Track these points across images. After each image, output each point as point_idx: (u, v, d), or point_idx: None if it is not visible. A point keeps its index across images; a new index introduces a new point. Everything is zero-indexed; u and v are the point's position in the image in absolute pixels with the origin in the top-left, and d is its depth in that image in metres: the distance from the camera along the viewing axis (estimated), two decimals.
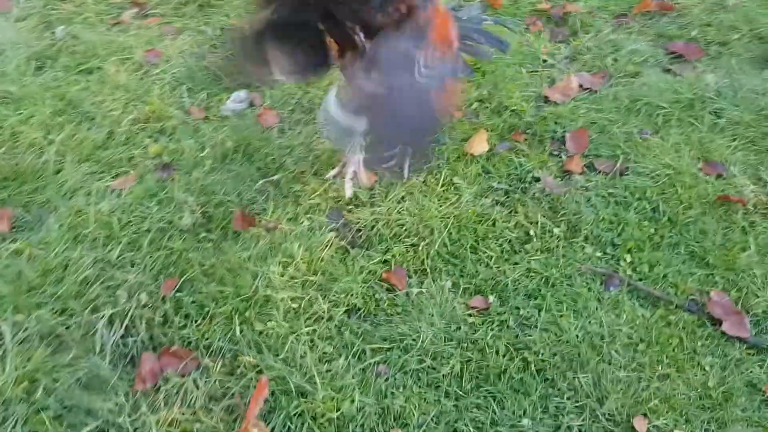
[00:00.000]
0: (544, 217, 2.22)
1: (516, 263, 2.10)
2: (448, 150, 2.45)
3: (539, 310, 1.97)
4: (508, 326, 1.95)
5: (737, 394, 1.78)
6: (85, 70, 2.79)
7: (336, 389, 1.81)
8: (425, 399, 1.81)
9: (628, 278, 2.02)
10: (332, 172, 2.38)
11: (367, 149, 2.21)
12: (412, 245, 2.17)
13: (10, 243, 2.11)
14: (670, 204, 2.21)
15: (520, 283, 2.04)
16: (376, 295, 2.03)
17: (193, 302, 1.99)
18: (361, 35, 1.79)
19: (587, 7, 3.06)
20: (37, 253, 2.08)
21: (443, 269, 2.10)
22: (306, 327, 1.95)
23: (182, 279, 2.04)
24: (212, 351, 1.90)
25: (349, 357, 1.89)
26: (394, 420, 1.78)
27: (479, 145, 2.45)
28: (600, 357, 1.86)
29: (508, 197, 2.31)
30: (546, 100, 2.64)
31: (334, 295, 2.03)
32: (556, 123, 2.54)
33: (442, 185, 2.35)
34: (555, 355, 1.87)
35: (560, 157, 2.43)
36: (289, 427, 1.75)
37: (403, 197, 2.32)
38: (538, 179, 2.34)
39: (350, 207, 2.30)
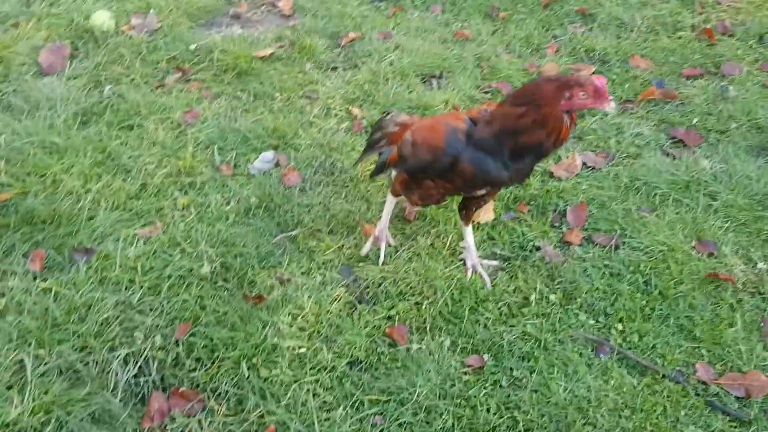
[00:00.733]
0: (542, 283, 2.34)
1: (513, 326, 2.21)
2: (455, 217, 2.60)
3: (531, 372, 2.06)
4: (500, 386, 2.04)
5: None
6: (127, 127, 3.02)
7: None
8: None
9: (618, 346, 2.11)
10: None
11: None
12: (416, 303, 2.30)
13: (41, 281, 2.28)
14: (663, 278, 2.31)
15: (515, 345, 2.14)
16: (379, 349, 2.15)
17: (204, 346, 2.11)
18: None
19: None
20: (65, 292, 2.24)
21: (443, 328, 2.21)
22: (310, 376, 2.06)
23: (195, 324, 2.18)
24: (219, 393, 2.02)
25: (348, 407, 1.99)
26: None
27: (486, 213, 2.60)
28: (586, 420, 1.94)
29: (509, 263, 2.43)
30: (551, 175, 2.80)
31: (339, 347, 2.15)
32: (558, 197, 2.68)
33: (449, 248, 2.49)
34: (543, 415, 1.95)
35: (560, 229, 2.57)
36: None
37: (410, 258, 2.46)
38: (538, 248, 2.47)
39: (361, 264, 2.44)
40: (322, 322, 2.23)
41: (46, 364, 2.03)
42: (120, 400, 1.98)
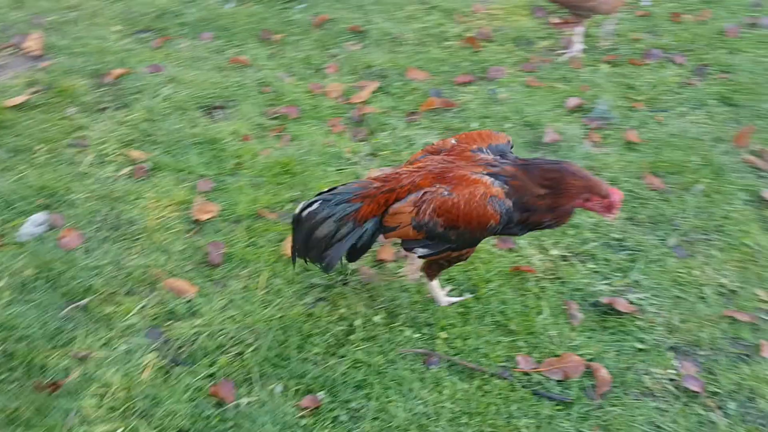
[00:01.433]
0: (365, 306, 2.31)
1: (343, 356, 2.14)
2: (265, 253, 2.48)
3: (369, 399, 2.02)
4: (340, 421, 1.97)
5: None
6: None
7: None
8: None
9: (445, 354, 2.15)
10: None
11: None
12: (238, 354, 2.14)
13: None
14: (473, 279, 2.41)
15: (348, 376, 2.08)
16: (205, 413, 1.96)
17: None
18: None
19: (381, 107, 3.33)
20: None
21: (272, 373, 2.09)
22: None
23: None
24: None
25: None
26: None
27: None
28: None
29: (329, 291, 2.37)
30: None
31: (159, 420, 1.93)
32: None
33: (263, 288, 2.36)
34: None
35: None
36: None
37: (224, 305, 2.29)
38: (356, 270, 2.44)
39: (169, 322, 2.23)
40: (134, 397, 1.99)
41: None
42: None
